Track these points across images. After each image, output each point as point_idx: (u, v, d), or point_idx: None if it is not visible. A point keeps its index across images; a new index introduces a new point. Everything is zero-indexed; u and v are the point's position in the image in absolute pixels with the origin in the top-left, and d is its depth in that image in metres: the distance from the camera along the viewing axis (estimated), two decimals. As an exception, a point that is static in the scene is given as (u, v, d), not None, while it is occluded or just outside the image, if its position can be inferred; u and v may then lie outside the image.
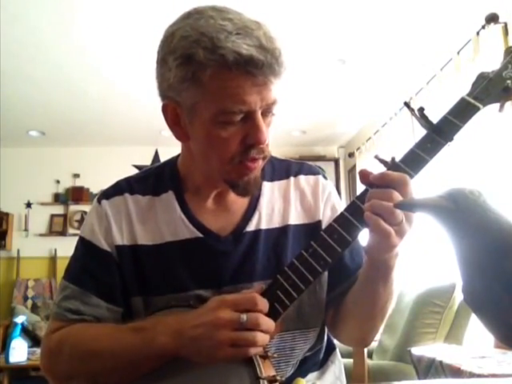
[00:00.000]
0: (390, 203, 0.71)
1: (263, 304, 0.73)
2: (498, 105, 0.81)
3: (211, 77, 0.75)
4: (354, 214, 0.76)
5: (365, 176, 0.76)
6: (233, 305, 0.73)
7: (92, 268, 0.89)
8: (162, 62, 0.81)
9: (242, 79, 0.75)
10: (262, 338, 0.71)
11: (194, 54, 0.74)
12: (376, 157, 0.78)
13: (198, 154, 0.86)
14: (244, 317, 0.71)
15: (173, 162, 0.97)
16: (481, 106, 0.78)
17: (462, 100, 0.78)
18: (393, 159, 0.76)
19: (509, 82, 0.79)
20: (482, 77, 0.80)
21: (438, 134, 0.76)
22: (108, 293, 0.87)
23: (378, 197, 0.72)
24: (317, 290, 0.92)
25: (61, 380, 0.86)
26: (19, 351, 3.55)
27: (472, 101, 0.78)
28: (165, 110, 0.84)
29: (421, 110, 0.78)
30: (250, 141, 0.79)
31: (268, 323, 0.73)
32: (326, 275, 0.93)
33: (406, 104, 0.80)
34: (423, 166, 0.76)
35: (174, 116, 0.83)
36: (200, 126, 0.80)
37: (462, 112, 0.77)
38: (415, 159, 0.76)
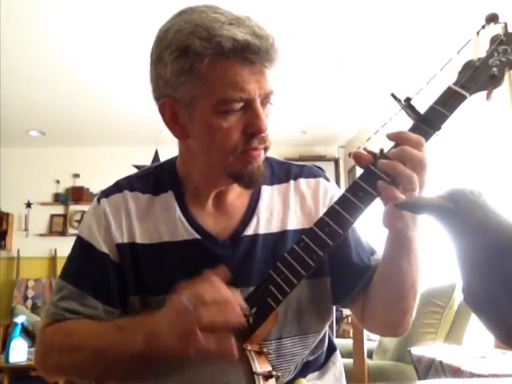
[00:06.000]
0: (408, 171, 0.71)
1: (214, 280, 0.70)
2: (485, 93, 0.80)
3: (209, 66, 0.75)
4: (344, 207, 0.75)
5: (360, 158, 0.76)
6: (186, 288, 0.70)
7: (89, 269, 0.88)
8: (157, 60, 0.81)
9: (240, 67, 0.76)
10: (207, 314, 0.66)
11: (191, 45, 0.75)
12: (365, 149, 0.78)
13: (199, 150, 0.85)
14: (184, 299, 0.68)
15: (172, 162, 0.96)
16: (467, 95, 0.77)
17: (449, 89, 0.78)
18: (381, 151, 0.76)
19: (495, 69, 0.79)
20: (468, 65, 0.80)
21: (426, 123, 0.76)
22: (105, 294, 0.87)
23: (399, 159, 0.72)
24: (316, 295, 0.91)
25: (51, 373, 0.88)
26: (19, 351, 3.55)
27: (458, 89, 0.77)
28: (162, 109, 0.83)
29: (407, 100, 0.78)
30: (250, 130, 0.79)
31: (213, 293, 0.68)
32: (328, 280, 0.92)
33: (393, 95, 0.79)
34: None
35: (172, 114, 0.83)
36: (200, 120, 0.80)
37: (449, 101, 0.77)
38: None
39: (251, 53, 0.75)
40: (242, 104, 0.78)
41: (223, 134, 0.79)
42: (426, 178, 0.74)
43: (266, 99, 0.81)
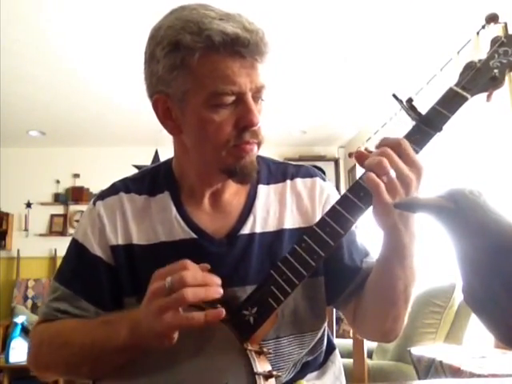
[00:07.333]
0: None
1: (193, 266, 0.71)
2: (485, 94, 0.81)
3: (200, 60, 0.76)
4: (345, 207, 0.76)
5: (361, 158, 0.77)
6: (164, 274, 0.70)
7: (82, 272, 0.89)
8: (150, 57, 0.82)
9: (231, 60, 0.76)
10: (191, 292, 0.67)
11: (181, 40, 0.76)
12: (366, 149, 0.79)
13: (192, 146, 0.86)
14: (168, 279, 0.68)
15: (167, 163, 0.97)
16: (468, 96, 0.78)
17: (450, 90, 0.79)
18: None
19: (496, 71, 0.79)
20: (469, 67, 0.81)
21: (427, 124, 0.77)
22: (97, 297, 0.88)
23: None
24: (311, 295, 0.91)
25: (42, 371, 0.89)
26: (19, 351, 3.56)
27: (459, 91, 0.78)
28: (155, 105, 0.84)
29: (409, 101, 0.79)
30: (242, 123, 0.80)
31: (196, 276, 0.69)
32: (323, 279, 0.92)
33: (395, 96, 0.80)
34: None
35: (165, 110, 0.84)
36: (192, 114, 0.81)
37: (450, 102, 0.78)
38: None
39: (241, 46, 0.76)
40: (233, 98, 0.78)
41: (215, 128, 0.79)
42: (421, 178, 0.74)
43: (257, 93, 0.81)
